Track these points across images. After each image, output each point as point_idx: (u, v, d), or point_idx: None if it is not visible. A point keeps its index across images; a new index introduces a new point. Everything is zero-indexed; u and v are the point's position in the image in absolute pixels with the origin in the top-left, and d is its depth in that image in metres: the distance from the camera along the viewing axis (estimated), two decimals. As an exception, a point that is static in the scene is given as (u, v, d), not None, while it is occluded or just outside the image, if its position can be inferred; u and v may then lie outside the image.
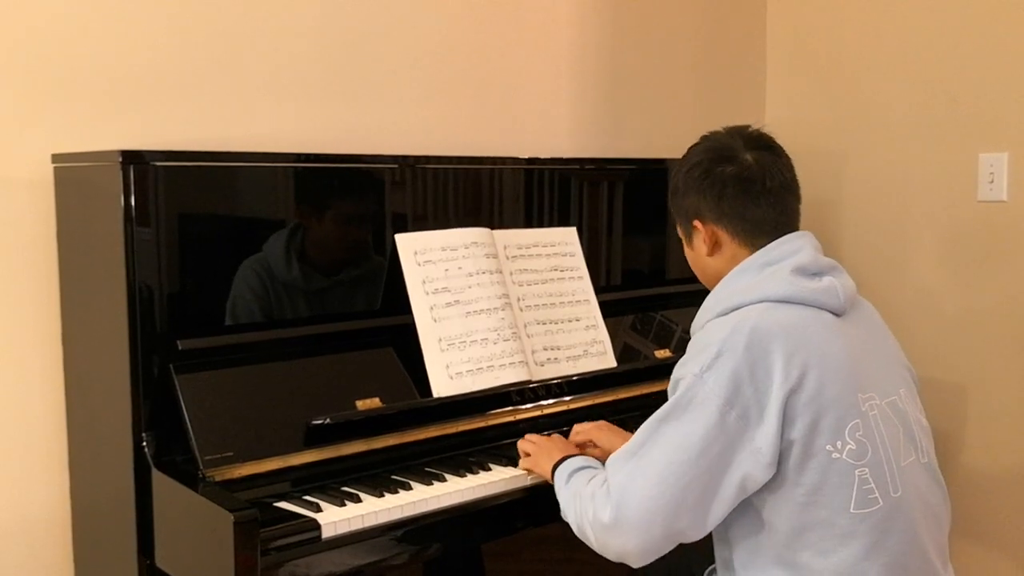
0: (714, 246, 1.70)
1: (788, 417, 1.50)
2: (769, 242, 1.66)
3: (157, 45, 2.11)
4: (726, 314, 1.60)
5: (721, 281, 1.68)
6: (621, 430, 2.01)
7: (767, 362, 1.50)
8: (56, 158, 1.97)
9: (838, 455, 1.51)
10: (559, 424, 2.23)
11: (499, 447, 2.11)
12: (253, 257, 1.97)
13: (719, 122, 3.17)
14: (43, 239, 2.00)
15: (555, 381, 2.24)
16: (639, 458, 1.55)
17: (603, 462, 1.70)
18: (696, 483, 1.51)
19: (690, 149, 1.76)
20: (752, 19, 3.28)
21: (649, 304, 2.57)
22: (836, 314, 1.61)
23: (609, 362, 2.32)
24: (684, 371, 1.57)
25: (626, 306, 2.52)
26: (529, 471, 1.96)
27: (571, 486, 1.70)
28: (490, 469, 1.98)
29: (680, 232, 1.79)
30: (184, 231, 1.87)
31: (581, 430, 2.02)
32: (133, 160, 1.79)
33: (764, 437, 1.49)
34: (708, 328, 1.61)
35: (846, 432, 1.52)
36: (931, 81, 2.89)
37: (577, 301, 2.32)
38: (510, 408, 2.17)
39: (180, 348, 1.81)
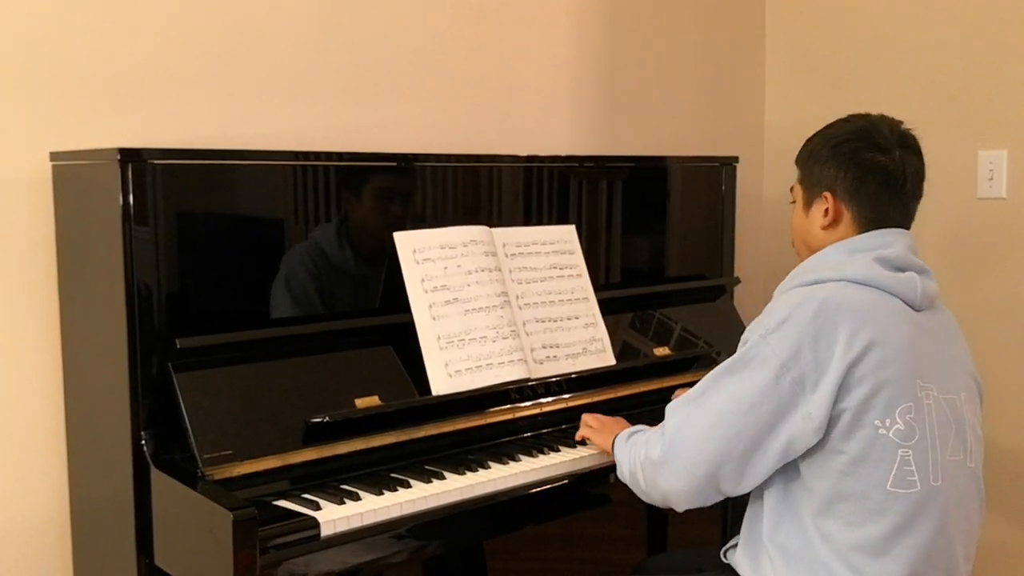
0: (833, 222, 1.74)
1: (844, 388, 1.55)
2: None
3: (155, 43, 2.10)
4: (805, 286, 1.66)
5: (811, 257, 1.74)
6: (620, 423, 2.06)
7: (832, 333, 1.56)
8: (54, 156, 1.96)
9: (885, 432, 1.56)
10: (558, 422, 2.24)
11: (498, 445, 2.11)
12: (250, 257, 1.97)
13: (718, 120, 3.20)
14: (41, 238, 2.00)
15: (554, 379, 2.24)
16: (696, 404, 1.65)
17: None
18: (743, 436, 1.60)
19: (842, 123, 1.77)
20: (751, 17, 3.28)
21: (648, 302, 2.57)
22: (911, 306, 1.65)
23: (608, 360, 2.32)
24: (752, 332, 1.65)
25: (625, 304, 2.52)
26: (586, 439, 2.07)
27: (630, 442, 1.80)
28: (489, 467, 1.98)
29: (799, 193, 1.81)
30: (183, 229, 1.87)
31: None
32: (131, 158, 1.78)
33: (817, 404, 1.55)
34: (784, 296, 1.68)
35: (897, 412, 1.57)
36: (930, 79, 2.89)
37: (576, 299, 2.32)
38: (509, 406, 2.17)
39: (179, 346, 1.80)
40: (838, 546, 1.58)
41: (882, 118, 1.76)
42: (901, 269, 1.67)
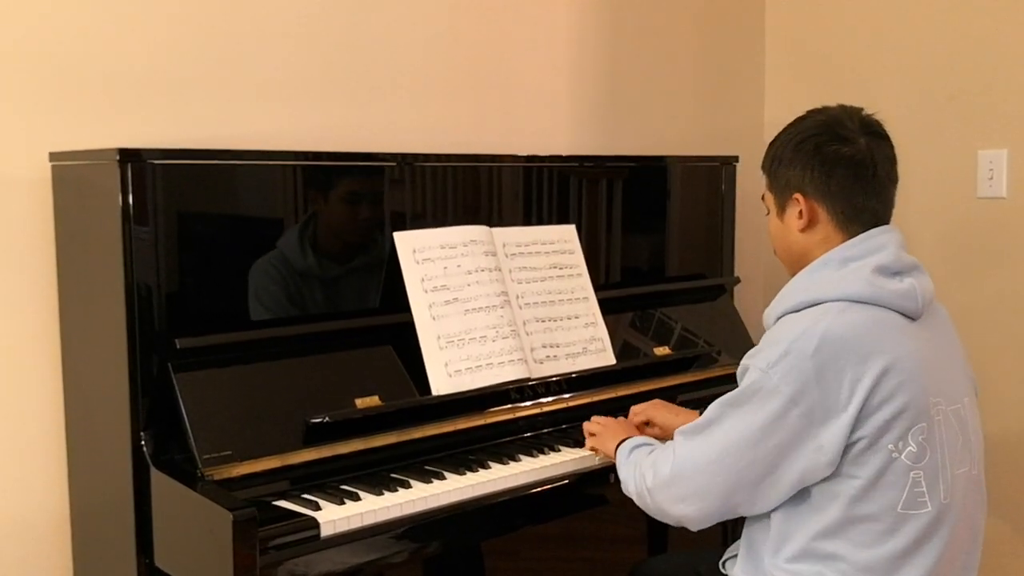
0: (809, 223, 1.67)
1: (862, 417, 1.51)
2: (863, 231, 1.65)
3: (155, 43, 2.10)
4: (801, 309, 1.60)
5: (801, 272, 1.67)
6: (676, 407, 2.08)
7: (838, 368, 1.51)
8: (54, 156, 1.96)
9: (898, 455, 1.53)
10: (559, 422, 2.24)
11: (498, 445, 2.11)
12: (250, 257, 1.97)
13: (718, 120, 3.20)
14: (41, 238, 2.00)
15: (554, 378, 2.23)
16: (704, 435, 1.62)
17: (662, 439, 1.88)
18: (751, 469, 1.57)
19: (800, 121, 1.71)
20: (751, 16, 3.28)
21: (648, 301, 2.57)
22: (912, 318, 1.60)
23: (608, 359, 2.32)
24: (752, 362, 1.60)
25: (625, 303, 2.52)
26: (595, 450, 2.04)
27: (632, 459, 1.77)
28: (489, 467, 1.98)
29: (770, 202, 1.74)
30: (182, 229, 1.87)
31: (639, 411, 2.12)
32: (131, 158, 1.78)
33: (830, 436, 1.52)
34: (782, 323, 1.61)
35: (910, 435, 1.53)
36: (930, 79, 2.89)
37: (576, 298, 2.32)
38: (509, 406, 2.16)
39: (178, 347, 1.80)
40: (846, 568, 1.55)
41: (842, 108, 1.69)
42: (899, 274, 1.62)
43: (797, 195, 1.67)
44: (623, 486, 1.78)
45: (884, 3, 2.99)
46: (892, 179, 1.68)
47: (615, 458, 1.85)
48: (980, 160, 2.78)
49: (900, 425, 1.52)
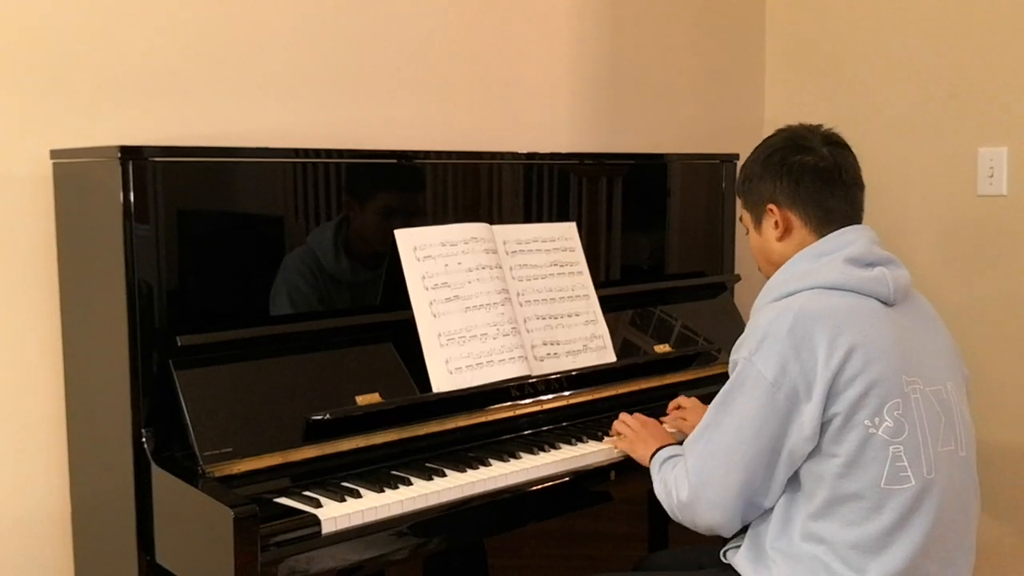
0: (785, 231, 1.77)
1: (832, 394, 1.58)
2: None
3: (156, 41, 2.10)
4: (779, 299, 1.68)
5: (779, 269, 1.76)
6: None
7: (811, 343, 1.58)
8: (55, 154, 1.96)
9: (875, 431, 1.58)
10: (559, 419, 2.24)
11: (499, 442, 2.11)
12: (251, 254, 1.97)
13: (719, 117, 3.20)
14: (42, 235, 2.00)
15: (554, 376, 2.24)
16: (707, 440, 1.68)
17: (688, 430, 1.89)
18: (759, 458, 1.63)
19: (766, 139, 1.84)
20: (751, 14, 3.28)
21: (648, 299, 2.57)
22: (886, 303, 1.67)
23: (608, 357, 2.32)
24: (737, 355, 1.67)
25: (626, 301, 2.52)
26: (620, 450, 2.06)
27: (661, 474, 1.81)
28: (490, 464, 1.98)
29: (747, 220, 1.86)
30: (183, 227, 1.87)
31: (680, 403, 2.23)
32: (132, 156, 1.78)
33: (808, 412, 1.58)
34: (760, 313, 1.69)
35: (885, 410, 1.59)
36: (930, 76, 2.89)
37: (577, 296, 2.32)
38: (509, 403, 2.17)
39: (179, 344, 1.80)
40: (838, 547, 1.59)
41: (802, 125, 1.82)
42: (870, 265, 1.69)
43: (771, 206, 1.78)
44: (658, 497, 1.82)
45: (884, 2, 2.99)
46: (859, 184, 1.78)
47: (649, 466, 1.89)
48: (980, 158, 2.78)
49: (872, 402, 1.58)
